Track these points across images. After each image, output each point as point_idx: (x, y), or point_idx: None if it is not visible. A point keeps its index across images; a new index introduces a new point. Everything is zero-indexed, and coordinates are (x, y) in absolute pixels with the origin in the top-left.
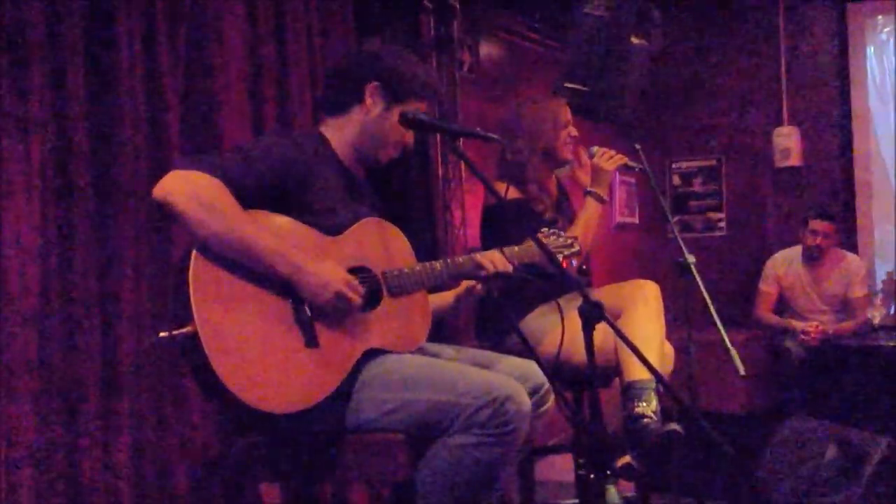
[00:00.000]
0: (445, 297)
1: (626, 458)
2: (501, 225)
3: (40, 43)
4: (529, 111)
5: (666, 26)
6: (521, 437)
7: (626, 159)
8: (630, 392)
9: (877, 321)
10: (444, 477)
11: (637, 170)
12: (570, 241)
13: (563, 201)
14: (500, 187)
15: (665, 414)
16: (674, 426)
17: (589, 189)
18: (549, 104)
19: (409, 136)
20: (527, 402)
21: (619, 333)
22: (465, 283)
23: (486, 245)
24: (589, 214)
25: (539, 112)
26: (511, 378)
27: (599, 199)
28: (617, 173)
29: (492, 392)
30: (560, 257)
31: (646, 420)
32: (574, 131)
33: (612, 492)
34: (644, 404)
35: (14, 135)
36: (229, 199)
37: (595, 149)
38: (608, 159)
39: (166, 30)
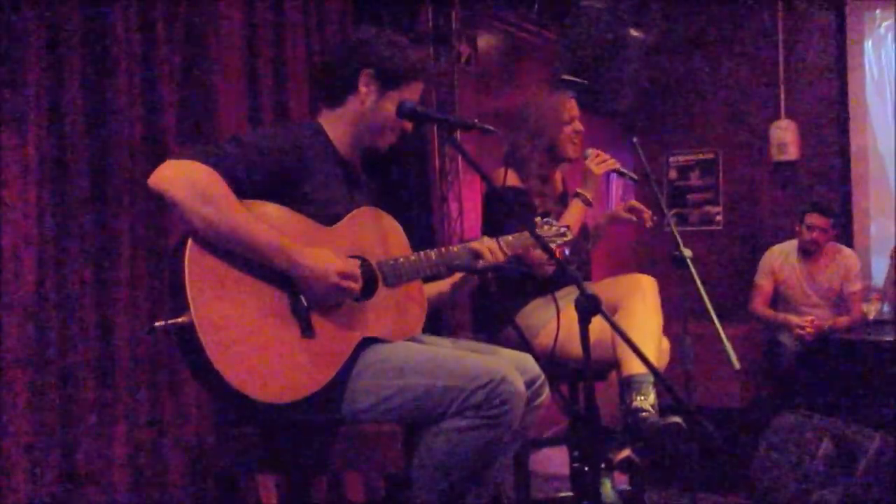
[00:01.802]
0: (440, 287)
1: (626, 452)
2: (498, 212)
3: (36, 34)
4: (534, 105)
5: (663, 19)
6: (516, 419)
7: (617, 165)
8: (628, 386)
9: (872, 316)
10: (439, 461)
11: (628, 178)
12: (562, 230)
13: (567, 196)
14: (501, 173)
15: (663, 408)
16: (675, 419)
17: (577, 190)
18: (554, 99)
19: (407, 122)
20: (521, 385)
21: (615, 327)
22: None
23: (487, 231)
24: (573, 215)
25: (544, 107)
26: (506, 361)
27: (586, 202)
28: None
29: (486, 375)
30: (553, 246)
31: (644, 414)
32: (579, 127)
33: (607, 485)
34: (642, 398)
35: (10, 126)
36: (224, 188)
37: (589, 151)
38: (600, 163)
39: (163, 20)
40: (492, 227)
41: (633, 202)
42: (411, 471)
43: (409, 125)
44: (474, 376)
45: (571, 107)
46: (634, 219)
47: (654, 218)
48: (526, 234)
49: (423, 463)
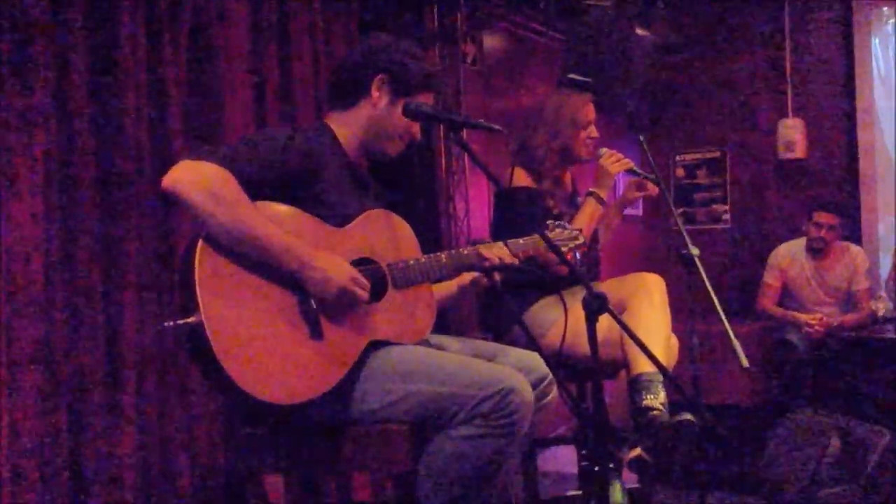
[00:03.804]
0: (449, 287)
1: (637, 451)
2: (511, 211)
3: (43, 37)
4: (552, 106)
5: (670, 18)
6: (524, 429)
7: (632, 164)
8: (637, 385)
9: (880, 314)
10: (446, 468)
11: (642, 178)
12: (575, 234)
13: (577, 197)
14: (512, 173)
15: (672, 406)
16: (686, 416)
17: (590, 189)
18: (572, 101)
19: (417, 129)
20: (530, 395)
21: (623, 325)
22: (469, 274)
23: (497, 231)
24: (587, 214)
25: (562, 108)
26: (515, 370)
27: (599, 201)
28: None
29: (495, 384)
30: (565, 250)
31: (654, 413)
32: (595, 132)
33: (616, 484)
34: (651, 397)
35: (18, 127)
36: (238, 190)
37: (603, 150)
38: (614, 162)
39: (169, 23)
40: (503, 227)
41: (636, 178)
42: (418, 473)
43: (417, 133)
44: (484, 385)
45: (589, 110)
46: (644, 194)
47: (658, 181)
48: (537, 236)
49: (429, 469)
